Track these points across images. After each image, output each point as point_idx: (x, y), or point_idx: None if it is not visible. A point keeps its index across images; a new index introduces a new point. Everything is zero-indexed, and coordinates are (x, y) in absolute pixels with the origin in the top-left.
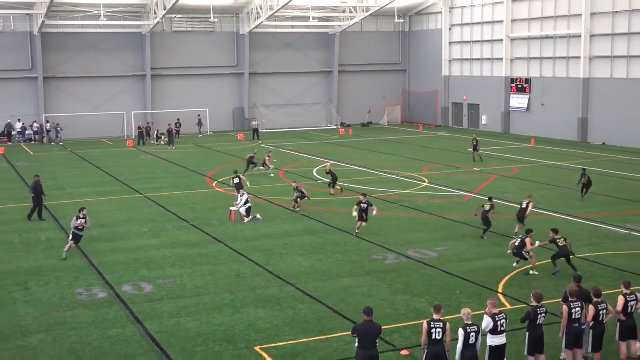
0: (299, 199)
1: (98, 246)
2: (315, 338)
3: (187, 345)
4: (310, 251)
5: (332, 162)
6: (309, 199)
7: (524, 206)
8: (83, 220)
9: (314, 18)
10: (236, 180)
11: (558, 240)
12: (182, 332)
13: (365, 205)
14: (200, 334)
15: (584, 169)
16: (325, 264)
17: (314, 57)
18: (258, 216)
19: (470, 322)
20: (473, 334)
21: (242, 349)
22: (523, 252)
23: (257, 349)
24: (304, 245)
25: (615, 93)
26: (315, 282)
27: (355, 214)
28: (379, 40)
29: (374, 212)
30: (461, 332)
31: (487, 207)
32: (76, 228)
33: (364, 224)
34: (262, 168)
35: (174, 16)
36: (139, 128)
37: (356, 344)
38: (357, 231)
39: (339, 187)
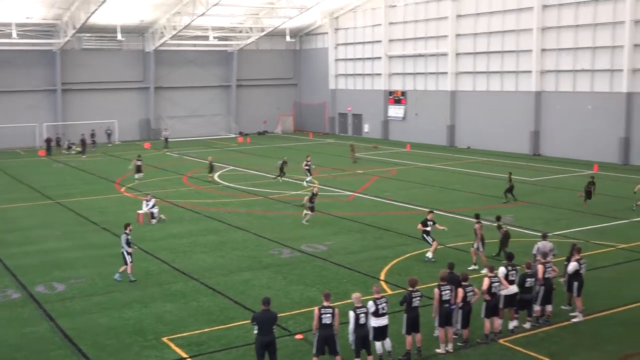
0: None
1: (11, 250)
2: (218, 327)
3: (98, 339)
4: (212, 249)
5: (233, 168)
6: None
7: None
8: None
9: (214, 37)
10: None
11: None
12: (94, 328)
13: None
14: (111, 328)
15: (510, 173)
16: (226, 260)
17: (214, 72)
18: (163, 216)
19: (359, 305)
20: (362, 315)
21: (151, 340)
22: (425, 237)
23: (164, 339)
24: (206, 243)
25: (478, 103)
26: (218, 277)
27: (306, 204)
28: (273, 57)
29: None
30: (351, 313)
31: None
32: None
33: (311, 214)
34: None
35: (83, 35)
36: (47, 140)
37: (255, 331)
38: (305, 222)
39: (212, 175)
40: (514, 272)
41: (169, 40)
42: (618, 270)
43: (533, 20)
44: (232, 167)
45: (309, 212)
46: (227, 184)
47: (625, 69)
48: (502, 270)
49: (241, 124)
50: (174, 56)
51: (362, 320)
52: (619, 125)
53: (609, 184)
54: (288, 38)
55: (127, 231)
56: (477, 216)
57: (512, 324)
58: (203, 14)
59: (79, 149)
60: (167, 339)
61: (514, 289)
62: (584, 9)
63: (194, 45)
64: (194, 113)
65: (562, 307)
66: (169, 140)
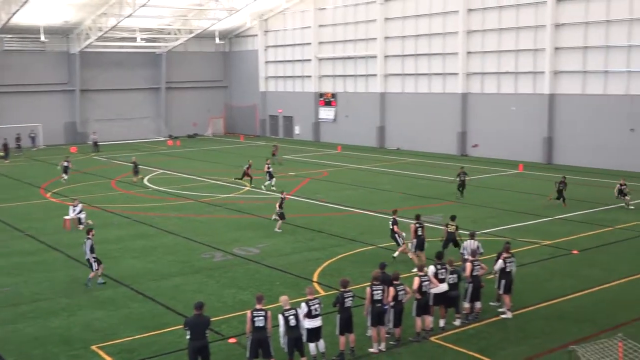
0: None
1: None
2: (150, 333)
3: (24, 349)
4: (143, 254)
5: (163, 171)
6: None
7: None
8: None
9: (141, 39)
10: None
11: (449, 226)
12: (19, 337)
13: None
14: (37, 337)
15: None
16: (157, 265)
17: (142, 74)
18: (89, 222)
19: (288, 307)
20: (292, 317)
21: (79, 349)
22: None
23: (93, 347)
24: (136, 248)
25: (407, 105)
26: (149, 282)
27: (276, 211)
28: (203, 59)
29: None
30: (280, 317)
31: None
32: None
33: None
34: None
35: (4, 36)
36: None
37: (187, 336)
38: (278, 230)
39: (141, 176)
40: (443, 270)
41: (94, 42)
42: (542, 266)
43: (459, 23)
44: (162, 171)
45: (278, 219)
46: (157, 187)
47: (547, 71)
48: (431, 269)
49: (171, 126)
50: (101, 58)
51: (292, 323)
52: (542, 126)
53: (533, 182)
54: (217, 40)
55: (90, 236)
56: (417, 217)
57: (442, 322)
58: (130, 15)
59: (1, 153)
60: (97, 347)
61: (444, 287)
62: (507, 13)
63: (121, 47)
64: (123, 116)
65: (491, 303)
66: (99, 144)
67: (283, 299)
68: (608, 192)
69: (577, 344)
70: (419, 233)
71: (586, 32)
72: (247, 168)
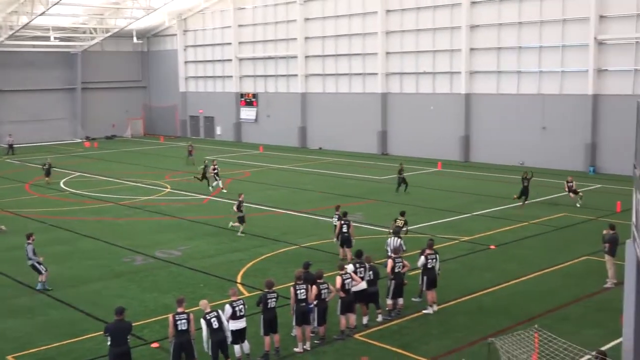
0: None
1: None
2: (69, 341)
3: None
4: (60, 259)
5: (80, 174)
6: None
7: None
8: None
9: (55, 38)
10: None
11: (398, 220)
12: None
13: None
14: None
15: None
16: (76, 271)
17: (56, 75)
18: (3, 227)
19: (209, 310)
20: (214, 319)
21: None
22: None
23: (9, 358)
24: (53, 254)
25: (328, 105)
26: (67, 289)
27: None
28: (120, 59)
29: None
30: (202, 321)
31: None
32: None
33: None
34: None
35: None
36: None
37: (108, 343)
38: (241, 234)
39: (50, 178)
40: (362, 269)
41: (5, 41)
42: (461, 261)
43: (377, 24)
44: (78, 173)
45: (238, 224)
46: (74, 190)
47: (463, 71)
48: (350, 267)
49: (88, 128)
50: (13, 58)
51: (215, 325)
52: (459, 125)
53: (452, 180)
54: (135, 39)
55: (30, 241)
56: (344, 214)
57: (365, 319)
58: (43, 13)
59: None
60: (12, 357)
61: (363, 284)
62: (424, 14)
63: (34, 46)
64: (37, 117)
65: (413, 299)
66: (14, 146)
67: (203, 303)
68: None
69: (495, 336)
70: (344, 230)
71: (499, 33)
72: (212, 169)
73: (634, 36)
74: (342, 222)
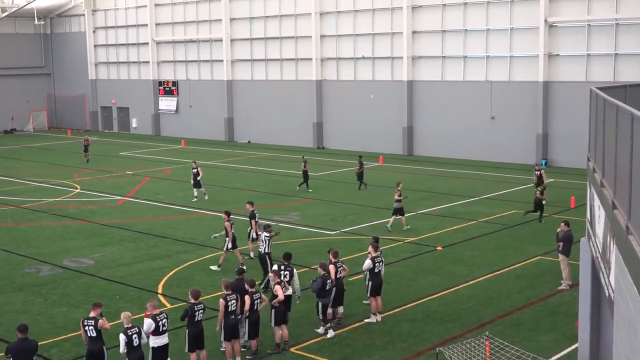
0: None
1: None
2: None
3: None
4: None
5: None
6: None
7: None
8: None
9: None
10: None
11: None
12: None
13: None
14: None
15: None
16: None
17: None
18: None
19: (130, 325)
20: (135, 335)
21: None
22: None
23: None
24: None
25: (257, 94)
26: None
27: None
28: (19, 42)
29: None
30: (122, 336)
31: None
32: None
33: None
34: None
35: None
36: None
37: None
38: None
39: None
40: (287, 272)
41: None
42: (406, 264)
43: (311, 4)
44: None
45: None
46: None
47: (405, 56)
48: (275, 267)
49: None
50: None
51: (135, 342)
52: (402, 115)
53: (394, 175)
54: (36, 20)
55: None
56: (227, 213)
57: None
58: None
59: None
60: None
61: (290, 290)
62: None
63: None
64: None
65: (364, 301)
66: None
67: (125, 315)
68: (470, 184)
69: (444, 344)
70: (232, 231)
71: (444, 14)
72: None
73: (586, 18)
74: (230, 222)
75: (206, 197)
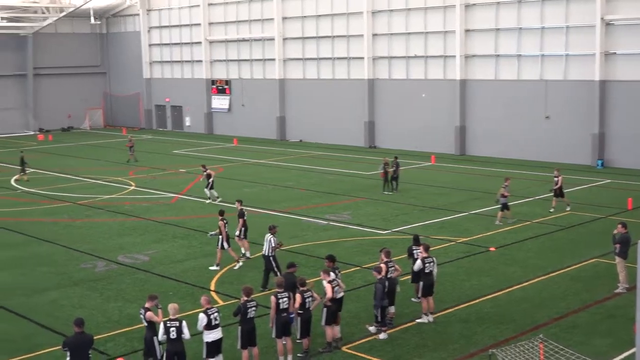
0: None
1: None
2: (23, 357)
3: None
4: (11, 266)
5: (33, 170)
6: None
7: None
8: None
9: (2, 18)
10: None
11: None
12: None
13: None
14: None
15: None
16: (29, 278)
17: (4, 59)
18: None
19: (173, 318)
20: (173, 328)
21: None
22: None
23: None
24: (4, 259)
25: (309, 92)
26: (20, 298)
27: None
28: (76, 42)
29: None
30: (161, 325)
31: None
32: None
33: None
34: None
35: None
36: None
37: (68, 358)
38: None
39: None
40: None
41: None
42: (458, 265)
43: (363, 3)
44: (31, 170)
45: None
46: (27, 189)
47: (458, 54)
48: (332, 275)
49: (41, 119)
50: None
51: (172, 335)
52: (454, 114)
53: (447, 175)
54: (93, 20)
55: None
56: (221, 212)
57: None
58: None
59: None
60: None
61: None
62: None
63: None
64: None
65: (413, 299)
66: None
67: (171, 307)
68: (524, 185)
69: (497, 347)
70: (226, 230)
71: (497, 13)
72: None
73: None
74: (225, 221)
75: (214, 202)
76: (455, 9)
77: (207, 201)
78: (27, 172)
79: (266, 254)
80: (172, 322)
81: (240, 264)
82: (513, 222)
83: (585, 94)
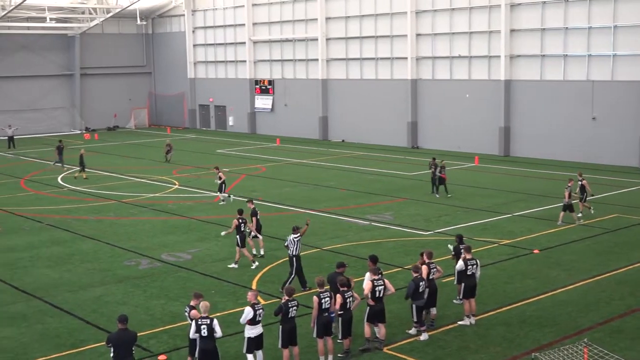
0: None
1: None
2: (68, 352)
3: None
4: (57, 262)
5: (78, 168)
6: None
7: None
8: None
9: (50, 19)
10: None
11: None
12: None
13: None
14: None
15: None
16: (74, 274)
17: (52, 59)
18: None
19: (204, 316)
20: (204, 326)
21: None
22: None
23: None
24: (51, 256)
25: (351, 93)
26: (65, 294)
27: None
28: (122, 42)
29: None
30: (192, 323)
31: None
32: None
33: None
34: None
35: None
36: None
37: (111, 354)
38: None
39: (83, 174)
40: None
41: None
42: (501, 267)
43: (407, 3)
44: (78, 168)
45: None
46: (73, 187)
47: (503, 55)
48: (368, 275)
49: (87, 118)
50: (4, 41)
51: (203, 333)
52: (498, 115)
53: (490, 176)
54: (139, 20)
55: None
56: (239, 211)
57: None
58: None
59: None
60: None
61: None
62: None
63: (28, 28)
64: (31, 106)
65: (454, 301)
66: (15, 137)
67: (203, 304)
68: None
69: (540, 350)
70: (242, 229)
71: (543, 12)
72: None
73: None
74: (239, 219)
75: (223, 203)
76: (500, 9)
77: (221, 202)
78: (85, 170)
79: (294, 254)
80: (203, 320)
81: (257, 263)
82: (584, 216)
83: (633, 95)
